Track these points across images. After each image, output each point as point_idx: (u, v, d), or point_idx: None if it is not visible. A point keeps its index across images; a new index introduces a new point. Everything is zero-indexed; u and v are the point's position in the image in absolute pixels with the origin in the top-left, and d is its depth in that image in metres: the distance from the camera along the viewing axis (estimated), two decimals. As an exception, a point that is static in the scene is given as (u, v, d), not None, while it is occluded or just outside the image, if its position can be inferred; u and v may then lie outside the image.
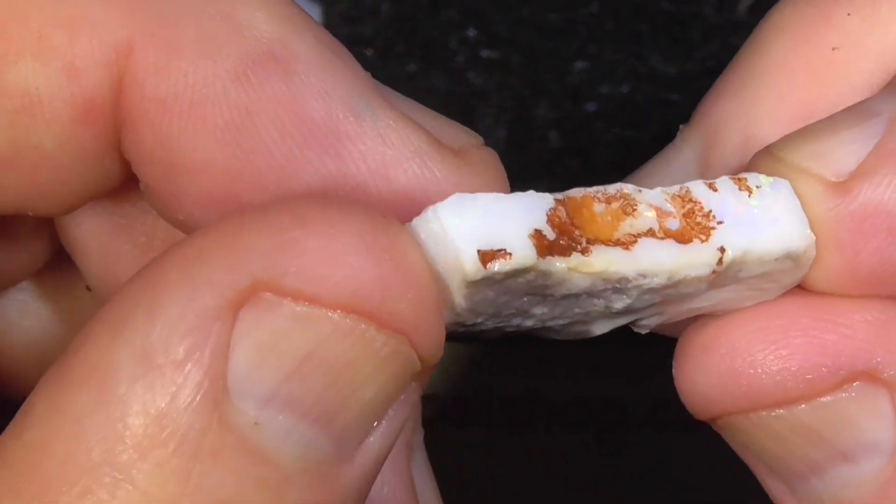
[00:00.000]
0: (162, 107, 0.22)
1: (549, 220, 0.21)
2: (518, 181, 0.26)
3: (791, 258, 0.22)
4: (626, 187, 0.22)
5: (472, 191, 0.21)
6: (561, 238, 0.21)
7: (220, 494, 0.19)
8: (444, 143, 0.22)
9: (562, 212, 0.21)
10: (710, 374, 0.23)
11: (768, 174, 0.23)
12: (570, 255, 0.21)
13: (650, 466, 0.44)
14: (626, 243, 0.22)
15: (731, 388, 0.22)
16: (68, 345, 0.21)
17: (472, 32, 0.44)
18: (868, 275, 0.22)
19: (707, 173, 0.25)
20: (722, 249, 0.22)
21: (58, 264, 0.29)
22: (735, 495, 0.43)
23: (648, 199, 0.22)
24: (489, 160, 0.23)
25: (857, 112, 0.23)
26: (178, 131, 0.22)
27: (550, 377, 0.43)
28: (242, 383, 0.20)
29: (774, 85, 0.25)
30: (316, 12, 0.44)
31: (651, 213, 0.22)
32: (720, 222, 0.22)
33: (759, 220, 0.22)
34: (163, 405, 0.19)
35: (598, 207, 0.22)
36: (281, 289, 0.20)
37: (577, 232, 0.21)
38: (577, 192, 0.22)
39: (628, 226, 0.22)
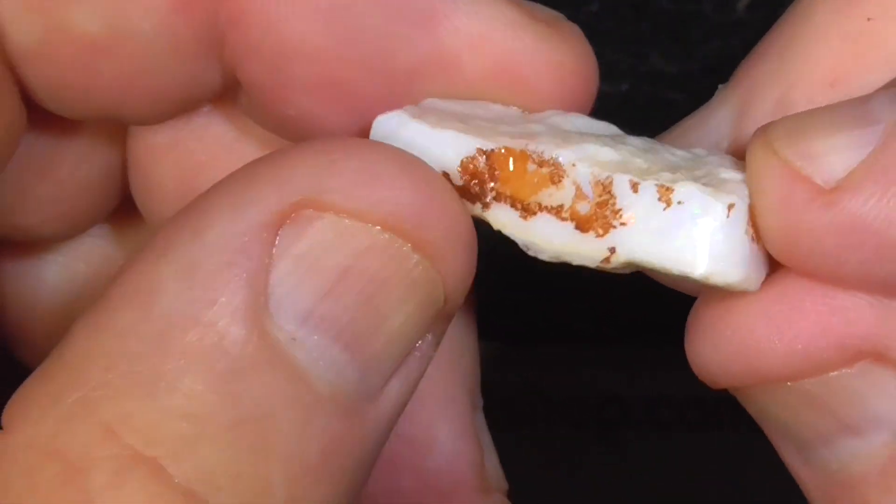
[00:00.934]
0: None
1: (463, 167, 0.22)
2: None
3: (702, 282, 0.22)
4: (564, 155, 0.22)
5: (561, 63, 0.23)
6: (470, 186, 0.22)
7: (256, 407, 0.20)
8: (537, 15, 0.23)
9: (480, 161, 0.22)
10: (718, 352, 0.23)
11: (761, 158, 0.23)
12: (473, 204, 0.23)
13: (650, 463, 0.44)
14: (529, 212, 0.22)
15: (740, 366, 0.23)
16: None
17: (473, 31, 0.44)
18: (852, 283, 0.22)
19: (741, 135, 0.26)
20: (612, 249, 0.22)
21: (123, 214, 0.30)
22: (734, 493, 0.43)
23: (577, 176, 0.22)
24: (577, 33, 0.24)
25: (857, 115, 0.23)
26: (284, 17, 0.22)
27: (551, 374, 0.44)
28: (283, 299, 0.20)
29: (810, 51, 0.25)
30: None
31: (571, 190, 0.22)
32: (623, 224, 0.22)
33: (663, 235, 0.22)
34: (205, 317, 0.20)
35: (531, 167, 0.22)
36: (322, 204, 0.20)
37: (490, 184, 0.22)
38: (518, 145, 0.22)
39: (546, 195, 0.22)
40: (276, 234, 0.20)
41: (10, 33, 0.22)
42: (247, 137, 0.27)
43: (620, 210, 0.22)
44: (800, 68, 0.25)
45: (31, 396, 0.20)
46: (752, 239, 0.22)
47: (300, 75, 0.22)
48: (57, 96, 0.24)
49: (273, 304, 0.20)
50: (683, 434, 0.45)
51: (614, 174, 0.22)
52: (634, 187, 0.22)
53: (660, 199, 0.22)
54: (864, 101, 0.23)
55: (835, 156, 0.22)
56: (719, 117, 0.27)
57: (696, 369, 0.24)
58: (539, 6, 0.24)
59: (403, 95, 0.23)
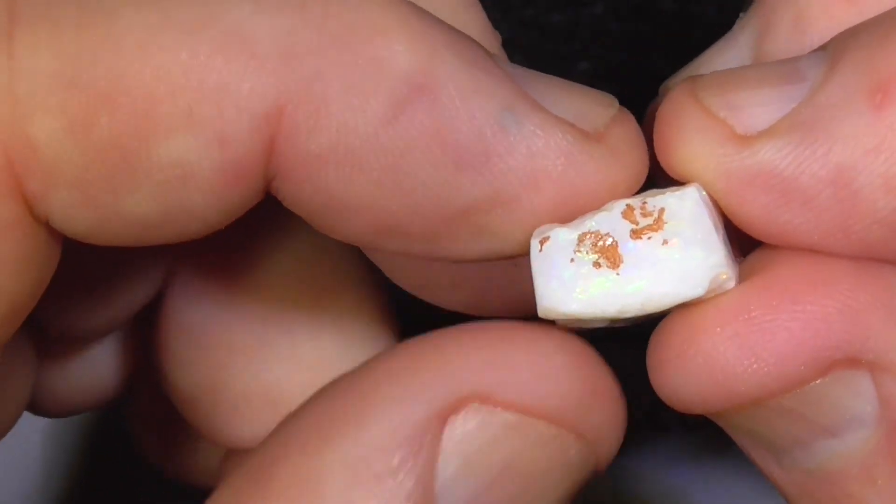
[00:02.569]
0: (317, 162, 0.21)
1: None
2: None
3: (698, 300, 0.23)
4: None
5: (615, 184, 0.22)
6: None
7: None
8: (587, 133, 0.23)
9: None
10: (687, 381, 0.23)
11: (681, 102, 0.23)
12: None
13: (650, 463, 0.44)
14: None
15: (713, 392, 0.23)
16: (258, 451, 0.21)
17: (475, 32, 0.44)
18: (758, 230, 0.23)
19: (762, 57, 0.26)
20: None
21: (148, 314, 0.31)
22: (734, 493, 0.43)
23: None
24: (629, 137, 0.23)
25: (783, 71, 0.23)
26: (336, 181, 0.22)
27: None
28: (449, 491, 0.21)
29: (792, 21, 0.25)
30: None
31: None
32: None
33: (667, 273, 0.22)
34: None
35: None
36: (489, 398, 0.21)
37: None
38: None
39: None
40: (444, 428, 0.21)
41: (63, 227, 0.22)
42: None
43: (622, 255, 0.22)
44: (776, 46, 0.25)
45: None
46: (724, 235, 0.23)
47: (350, 223, 0.22)
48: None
49: (439, 495, 0.21)
50: (683, 434, 0.45)
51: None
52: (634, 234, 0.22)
53: (650, 240, 0.22)
54: (793, 60, 0.23)
55: (758, 108, 0.22)
56: (741, 42, 0.27)
57: (665, 398, 0.24)
58: (593, 100, 0.23)
59: (457, 232, 0.22)
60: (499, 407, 0.21)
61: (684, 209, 0.22)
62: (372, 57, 0.21)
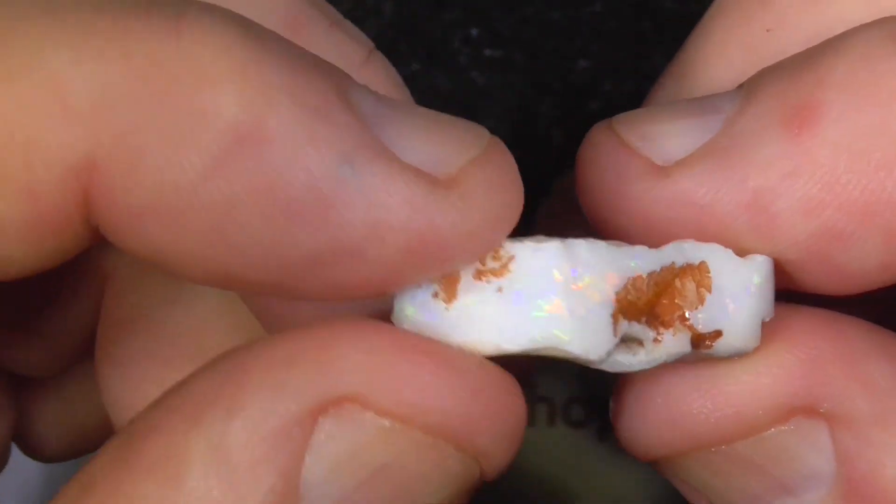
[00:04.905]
0: (136, 216, 0.20)
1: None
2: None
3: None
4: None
5: (471, 232, 0.21)
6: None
7: None
8: (439, 179, 0.21)
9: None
10: (647, 423, 0.23)
11: (598, 137, 0.23)
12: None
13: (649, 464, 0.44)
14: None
15: (670, 435, 0.22)
16: (134, 422, 0.21)
17: (475, 31, 0.44)
18: None
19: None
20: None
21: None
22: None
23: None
24: (488, 180, 0.22)
25: (699, 105, 0.23)
26: (159, 235, 0.20)
27: (550, 377, 0.44)
28: (315, 489, 0.20)
29: (712, 65, 0.25)
30: (319, 11, 0.45)
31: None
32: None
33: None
34: (232, 502, 0.19)
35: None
36: (367, 402, 0.20)
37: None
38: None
39: None
40: (314, 425, 0.20)
41: None
42: None
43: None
44: (702, 83, 0.25)
45: None
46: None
47: (184, 274, 0.21)
48: None
49: (305, 494, 0.20)
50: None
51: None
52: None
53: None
54: (709, 96, 0.23)
55: (673, 139, 0.22)
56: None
57: (625, 442, 0.24)
58: (456, 137, 0.22)
59: (302, 285, 0.21)
60: (373, 411, 0.20)
61: (535, 262, 0.21)
62: (195, 108, 0.20)
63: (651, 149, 0.22)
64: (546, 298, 0.21)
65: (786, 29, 0.24)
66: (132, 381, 0.30)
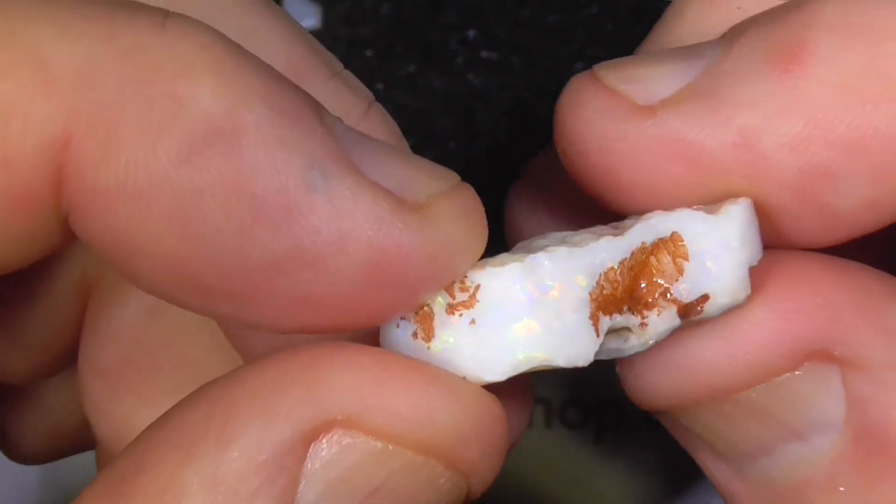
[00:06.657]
0: (105, 196, 0.20)
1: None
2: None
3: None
4: None
5: (433, 251, 0.21)
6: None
7: None
8: (407, 201, 0.21)
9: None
10: (657, 370, 0.23)
11: (580, 83, 0.23)
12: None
13: (649, 465, 0.44)
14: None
15: (683, 384, 0.22)
16: (124, 456, 0.21)
17: (471, 33, 0.44)
18: (668, 197, 0.22)
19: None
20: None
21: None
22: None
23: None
24: (457, 210, 0.22)
25: (684, 51, 0.23)
26: (125, 219, 0.20)
27: (547, 379, 0.44)
28: None
29: (700, 20, 0.25)
30: (316, 14, 0.45)
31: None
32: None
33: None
34: None
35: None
36: (359, 425, 0.20)
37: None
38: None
39: None
40: (307, 449, 0.20)
41: None
42: None
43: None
44: (684, 41, 0.25)
45: None
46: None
47: (142, 268, 0.21)
48: None
49: None
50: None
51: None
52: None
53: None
54: (692, 45, 0.24)
55: (657, 81, 0.22)
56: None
57: (632, 392, 0.23)
58: (426, 172, 0.22)
59: (261, 292, 0.21)
60: (365, 433, 0.20)
61: (499, 287, 0.21)
62: (173, 95, 0.20)
63: (635, 91, 0.22)
64: (518, 321, 0.21)
65: (755, 6, 0.24)
66: (115, 391, 0.30)
